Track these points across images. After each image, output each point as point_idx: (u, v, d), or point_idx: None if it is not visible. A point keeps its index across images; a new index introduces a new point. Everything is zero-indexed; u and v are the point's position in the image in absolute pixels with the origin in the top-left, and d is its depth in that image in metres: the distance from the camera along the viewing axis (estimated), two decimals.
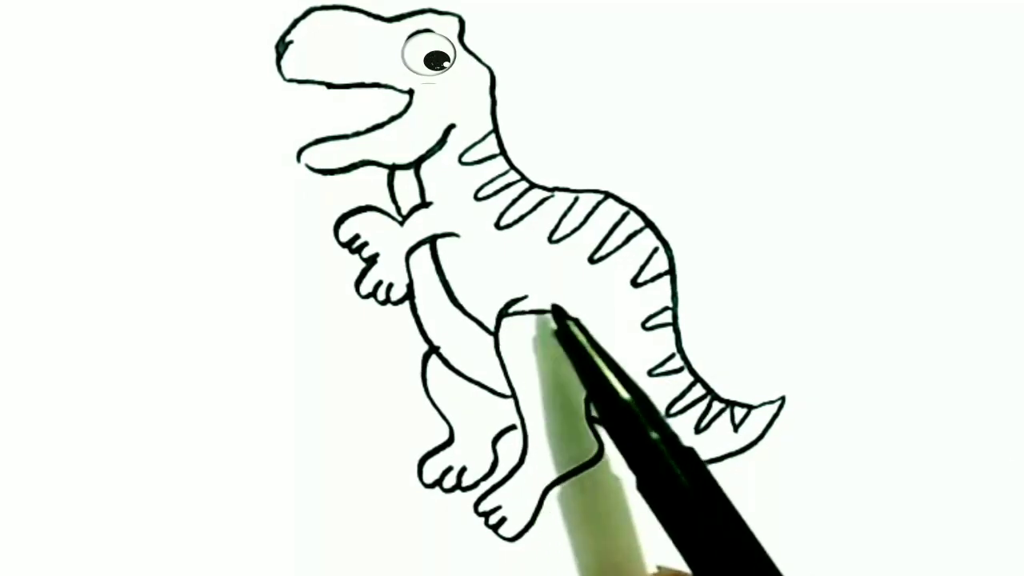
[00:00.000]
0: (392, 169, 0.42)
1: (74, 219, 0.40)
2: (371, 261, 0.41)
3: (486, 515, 0.40)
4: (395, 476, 0.40)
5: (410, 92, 0.42)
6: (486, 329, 0.41)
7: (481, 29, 0.42)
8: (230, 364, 0.40)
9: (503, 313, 0.41)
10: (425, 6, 0.42)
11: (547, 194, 0.42)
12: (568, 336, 0.39)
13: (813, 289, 0.42)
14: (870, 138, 0.43)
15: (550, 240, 0.42)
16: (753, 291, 0.42)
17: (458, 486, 0.40)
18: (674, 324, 0.41)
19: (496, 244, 0.41)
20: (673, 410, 0.41)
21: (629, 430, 0.37)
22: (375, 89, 0.42)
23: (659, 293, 0.42)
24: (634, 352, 0.41)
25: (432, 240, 0.41)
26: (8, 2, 0.41)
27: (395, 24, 0.42)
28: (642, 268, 0.42)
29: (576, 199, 0.42)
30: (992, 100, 0.44)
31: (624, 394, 0.38)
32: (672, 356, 0.41)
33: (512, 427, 0.41)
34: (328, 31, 0.42)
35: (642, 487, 0.37)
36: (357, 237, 0.41)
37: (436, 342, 0.41)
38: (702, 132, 0.43)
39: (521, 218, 0.42)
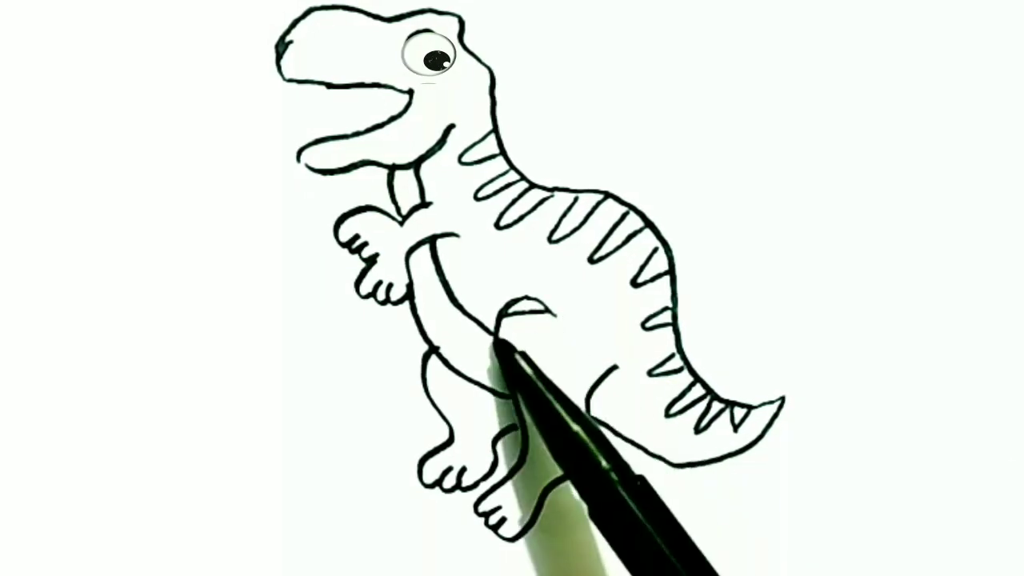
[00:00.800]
0: (392, 169, 0.41)
1: (75, 219, 0.40)
2: (371, 261, 0.41)
3: (486, 515, 0.40)
4: (395, 476, 0.40)
5: (410, 92, 0.42)
6: (486, 329, 0.41)
7: (481, 29, 0.42)
8: (230, 364, 0.40)
9: (503, 313, 0.41)
10: (425, 6, 0.42)
11: (547, 194, 0.42)
12: (515, 370, 0.40)
13: (813, 289, 0.42)
14: (871, 138, 0.43)
15: (550, 240, 0.42)
16: (753, 291, 0.42)
17: (458, 486, 0.40)
18: (674, 324, 0.41)
19: (496, 244, 0.41)
20: (673, 410, 0.41)
21: (580, 460, 0.38)
22: (375, 89, 0.42)
23: (659, 293, 0.42)
24: (634, 352, 0.41)
25: (432, 240, 0.41)
26: (8, 2, 0.41)
27: (395, 24, 0.42)
28: (642, 268, 0.42)
29: (576, 199, 0.42)
30: (992, 100, 0.44)
31: (573, 425, 0.38)
32: (672, 356, 0.41)
33: (512, 427, 0.41)
34: (328, 31, 0.42)
35: (594, 516, 0.37)
36: (357, 237, 0.41)
37: (436, 342, 0.41)
38: (702, 132, 0.43)
39: (521, 218, 0.42)
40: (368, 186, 0.41)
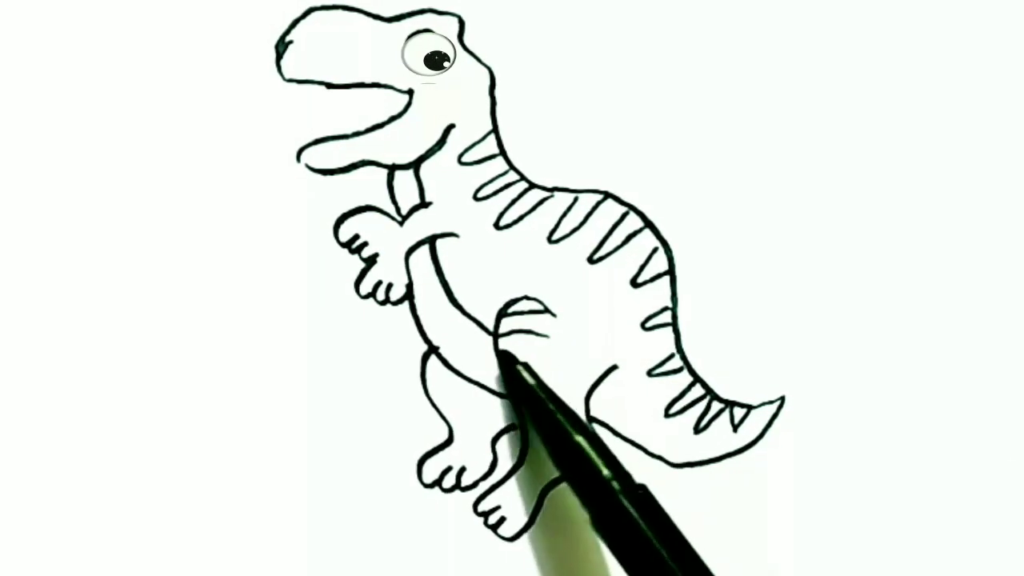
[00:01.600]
0: (392, 169, 0.42)
1: (73, 219, 0.40)
2: (371, 261, 0.41)
3: (485, 515, 0.40)
4: (394, 476, 0.40)
5: (410, 92, 0.42)
6: (486, 329, 0.41)
7: (481, 29, 0.42)
8: (229, 364, 0.40)
9: (503, 313, 0.41)
10: (425, 6, 0.42)
11: (547, 194, 0.42)
12: (518, 381, 0.40)
13: (813, 289, 0.42)
14: (871, 138, 0.43)
15: (550, 240, 0.42)
16: (753, 291, 0.42)
17: (457, 486, 0.40)
18: (674, 324, 0.41)
19: (496, 244, 0.41)
20: (672, 410, 0.41)
21: (582, 469, 0.38)
22: (375, 89, 0.42)
23: (659, 293, 0.42)
24: (634, 352, 0.41)
25: (432, 240, 0.41)
26: (8, 2, 0.41)
27: (395, 24, 0.42)
28: (642, 268, 0.42)
29: (576, 199, 0.42)
30: (992, 100, 0.44)
31: (575, 435, 0.38)
32: (672, 356, 0.41)
33: (512, 427, 0.41)
34: (328, 31, 0.42)
35: (597, 525, 0.38)
36: (357, 237, 0.41)
37: (436, 342, 0.41)
38: (702, 132, 0.43)
39: (521, 218, 0.42)
40: (368, 186, 0.41)
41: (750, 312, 0.42)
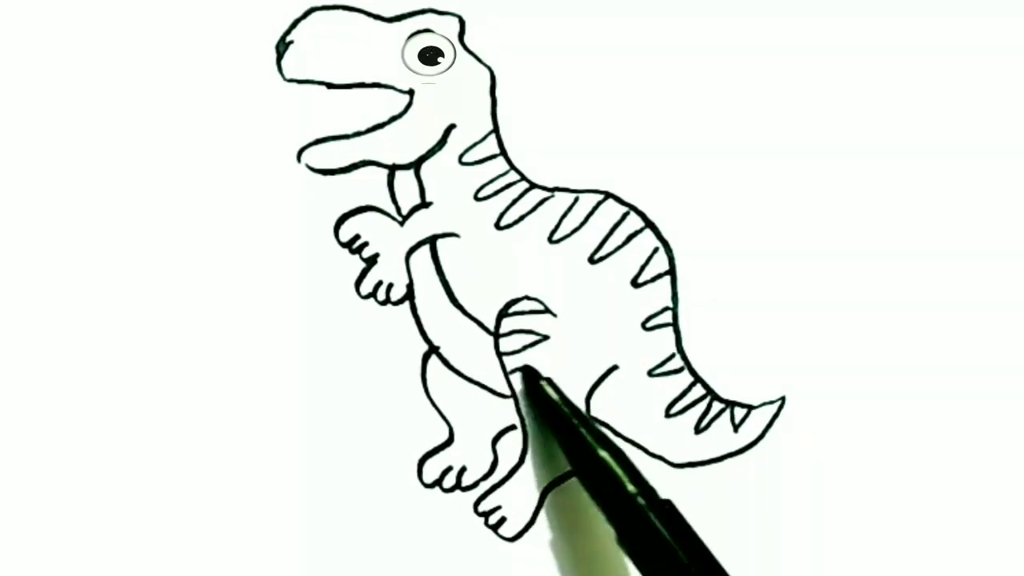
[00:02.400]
0: (392, 169, 0.42)
1: (72, 219, 0.40)
2: (371, 261, 0.41)
3: (486, 515, 0.40)
4: (395, 476, 0.40)
5: (410, 92, 0.42)
6: (486, 329, 0.41)
7: (481, 29, 0.42)
8: (229, 365, 0.40)
9: (503, 313, 0.41)
10: (425, 6, 0.42)
11: (547, 194, 0.42)
12: (542, 396, 0.40)
13: (813, 289, 0.42)
14: (871, 137, 0.43)
15: (550, 240, 0.42)
16: (753, 291, 0.42)
17: (458, 486, 0.40)
18: (674, 324, 0.41)
19: (496, 244, 0.41)
20: (673, 410, 0.41)
21: (607, 485, 0.38)
22: (375, 89, 0.42)
23: (659, 293, 0.42)
24: (634, 352, 0.41)
25: (432, 240, 0.41)
26: (8, 2, 0.41)
27: (395, 24, 0.42)
28: (642, 268, 0.42)
29: (576, 199, 0.42)
30: (993, 100, 0.44)
31: (600, 451, 0.38)
32: (672, 356, 0.41)
33: (512, 427, 0.41)
34: (328, 31, 0.42)
35: (622, 541, 0.38)
36: (357, 237, 0.41)
37: (436, 342, 0.41)
38: (702, 132, 0.43)
39: (521, 218, 0.42)
40: (368, 186, 0.41)
41: (750, 312, 0.42)
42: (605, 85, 0.43)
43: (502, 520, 0.40)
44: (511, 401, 0.41)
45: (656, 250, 0.42)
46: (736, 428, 0.41)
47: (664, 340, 0.41)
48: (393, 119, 0.42)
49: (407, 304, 0.41)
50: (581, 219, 0.42)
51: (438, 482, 0.40)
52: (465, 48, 0.42)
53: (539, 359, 0.41)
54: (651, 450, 0.41)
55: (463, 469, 0.40)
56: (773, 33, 0.43)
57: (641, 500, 0.37)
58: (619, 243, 0.42)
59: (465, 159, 0.42)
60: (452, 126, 0.42)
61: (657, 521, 0.37)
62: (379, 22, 0.42)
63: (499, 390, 0.41)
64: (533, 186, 0.42)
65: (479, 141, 0.42)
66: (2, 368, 0.39)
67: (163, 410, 0.39)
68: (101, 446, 0.39)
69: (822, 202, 0.43)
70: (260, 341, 0.40)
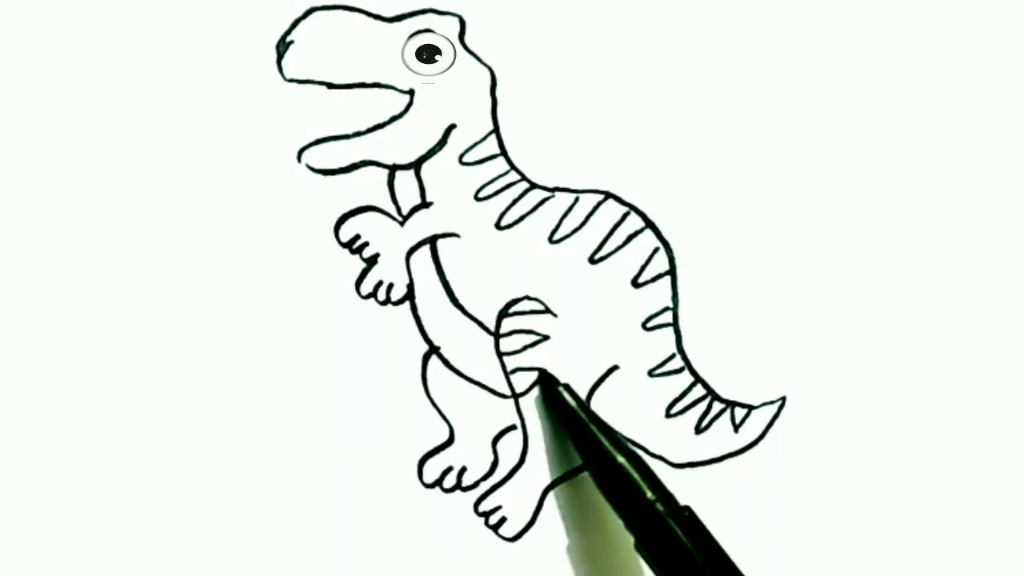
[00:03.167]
0: (392, 169, 0.42)
1: (71, 219, 0.40)
2: (371, 261, 0.41)
3: (486, 515, 0.40)
4: (395, 476, 0.40)
5: (410, 92, 0.42)
6: (486, 329, 0.41)
7: (481, 29, 0.42)
8: (229, 365, 0.40)
9: (503, 313, 0.41)
10: (425, 6, 0.42)
11: (548, 194, 0.42)
12: (559, 403, 0.40)
13: (814, 289, 0.42)
14: (871, 137, 0.43)
15: (550, 240, 0.42)
16: (753, 291, 0.42)
17: (458, 486, 0.40)
18: (674, 324, 0.41)
19: (496, 244, 0.41)
20: (673, 410, 0.41)
21: (626, 492, 0.38)
22: (375, 89, 0.42)
23: (659, 293, 0.42)
24: (634, 352, 0.41)
25: (432, 240, 0.41)
26: (8, 2, 0.41)
27: (395, 24, 0.42)
28: (643, 268, 0.42)
29: (577, 199, 0.42)
30: (993, 100, 0.44)
31: (619, 457, 0.38)
32: (672, 356, 0.41)
33: (512, 427, 0.41)
34: (328, 31, 0.42)
35: (641, 547, 0.38)
36: (357, 237, 0.41)
37: (436, 342, 0.41)
38: (703, 132, 0.43)
39: (521, 218, 0.42)
40: (368, 186, 0.41)
41: (751, 312, 0.42)
42: (605, 85, 0.43)
43: (502, 520, 0.40)
44: (511, 401, 0.41)
45: (656, 250, 0.42)
46: (736, 428, 0.41)
47: (664, 340, 0.41)
48: (393, 119, 0.42)
49: (407, 304, 0.41)
50: (581, 219, 0.42)
51: (438, 482, 0.40)
52: (465, 48, 0.42)
53: (539, 359, 0.41)
54: (651, 450, 0.41)
55: (463, 469, 0.40)
56: (773, 33, 0.43)
57: (660, 507, 0.37)
58: (619, 243, 0.42)
59: (465, 159, 0.42)
60: (452, 126, 0.42)
61: (677, 528, 0.37)
62: (379, 22, 0.42)
63: (499, 390, 0.41)
64: (533, 186, 0.42)
65: (479, 141, 0.42)
66: (8, 368, 0.39)
67: (163, 410, 0.39)
68: (101, 446, 0.39)
69: (822, 202, 0.43)
70: (260, 341, 0.40)
